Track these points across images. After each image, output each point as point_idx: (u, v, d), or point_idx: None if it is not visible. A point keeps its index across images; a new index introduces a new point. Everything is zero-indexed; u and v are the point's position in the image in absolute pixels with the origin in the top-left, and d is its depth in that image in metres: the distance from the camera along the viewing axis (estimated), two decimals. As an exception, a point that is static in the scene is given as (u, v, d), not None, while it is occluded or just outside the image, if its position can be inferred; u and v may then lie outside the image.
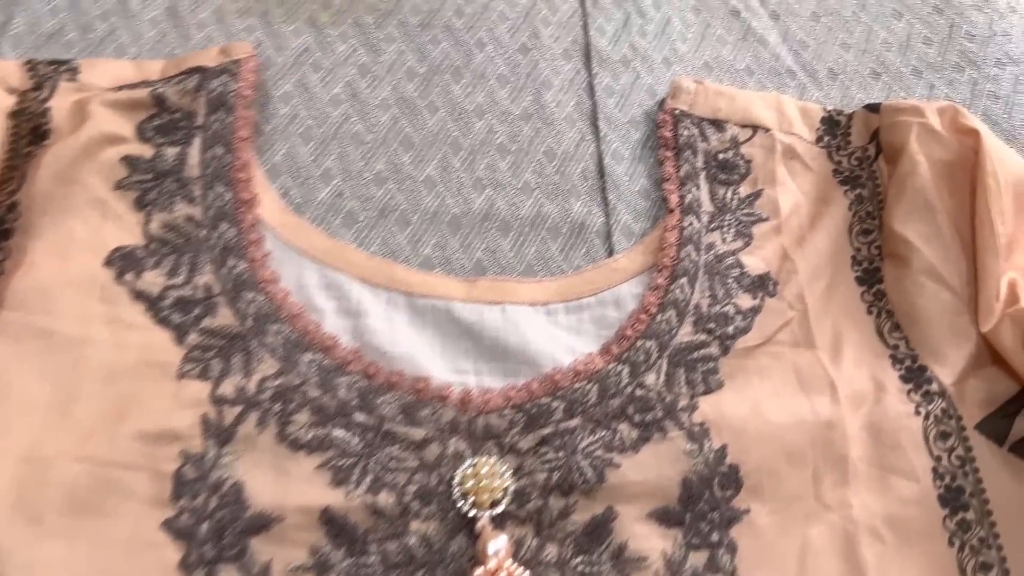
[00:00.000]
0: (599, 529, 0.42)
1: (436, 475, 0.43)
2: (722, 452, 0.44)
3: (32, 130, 0.49)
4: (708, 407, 0.45)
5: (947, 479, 0.44)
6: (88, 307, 0.45)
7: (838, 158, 0.55)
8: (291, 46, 0.59)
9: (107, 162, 0.49)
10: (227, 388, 0.43)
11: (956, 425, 0.45)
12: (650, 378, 0.46)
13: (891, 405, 0.46)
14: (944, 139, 0.50)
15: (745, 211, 0.52)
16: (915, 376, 0.47)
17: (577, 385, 0.46)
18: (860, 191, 0.53)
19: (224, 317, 0.46)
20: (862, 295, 0.50)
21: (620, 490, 0.43)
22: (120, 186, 0.49)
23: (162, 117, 0.51)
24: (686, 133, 0.55)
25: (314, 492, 0.41)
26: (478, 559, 0.40)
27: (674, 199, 0.53)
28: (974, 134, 0.50)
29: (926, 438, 0.45)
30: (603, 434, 0.44)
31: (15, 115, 0.49)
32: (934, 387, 0.46)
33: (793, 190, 0.53)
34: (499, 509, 0.42)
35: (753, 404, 0.46)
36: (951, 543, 0.43)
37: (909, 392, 0.47)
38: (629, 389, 0.46)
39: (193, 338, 0.45)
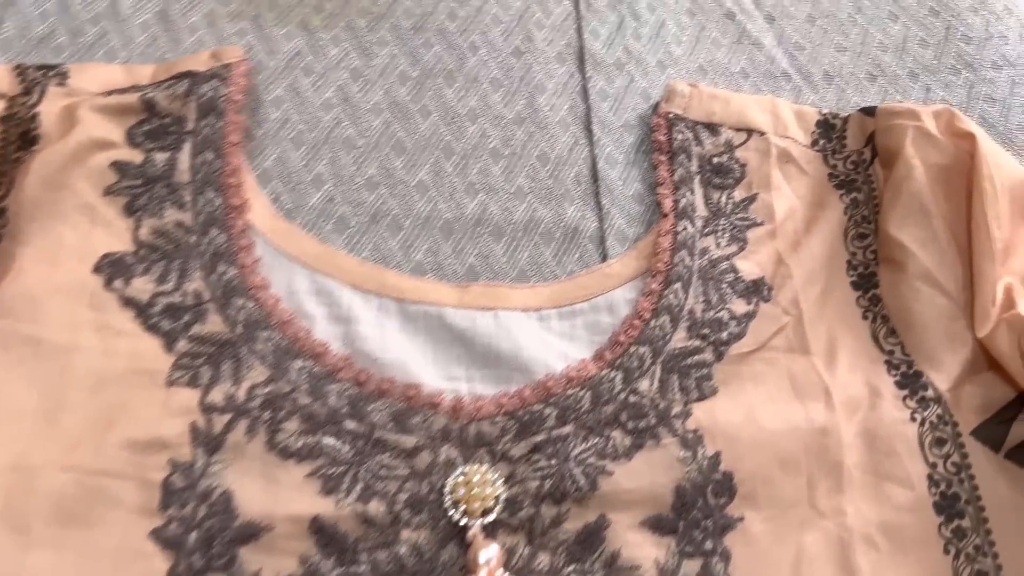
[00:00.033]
0: (592, 537, 0.42)
1: (427, 483, 0.42)
2: (716, 459, 0.44)
3: (21, 135, 0.48)
4: (702, 414, 0.45)
5: (942, 486, 0.44)
6: (77, 314, 0.44)
7: (833, 162, 0.54)
8: (283, 50, 0.58)
9: (96, 167, 0.49)
10: (216, 396, 0.43)
11: (952, 431, 0.45)
12: (643, 384, 0.46)
13: (886, 411, 0.46)
14: (940, 143, 0.50)
15: (740, 215, 0.52)
16: (910, 382, 0.47)
17: (570, 392, 0.45)
18: (856, 195, 0.53)
19: (214, 324, 0.45)
20: (857, 300, 0.50)
21: (613, 498, 0.43)
22: (109, 192, 0.48)
23: (152, 122, 0.51)
24: (680, 137, 0.55)
25: (304, 501, 0.41)
26: (469, 568, 0.40)
27: (668, 204, 0.52)
28: (970, 138, 0.49)
29: (921, 445, 0.45)
30: (596, 441, 0.44)
31: (3, 120, 0.49)
32: (930, 393, 0.46)
33: (788, 194, 0.53)
34: (491, 517, 0.41)
35: (747, 411, 0.45)
36: (946, 551, 0.43)
37: (904, 398, 0.46)
38: (622, 396, 0.45)
39: (182, 345, 0.44)
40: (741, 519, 0.43)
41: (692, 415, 0.45)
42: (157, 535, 0.39)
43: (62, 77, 0.51)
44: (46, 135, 0.48)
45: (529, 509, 0.42)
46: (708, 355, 0.47)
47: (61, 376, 0.42)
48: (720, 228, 0.51)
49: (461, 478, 0.42)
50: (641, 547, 0.42)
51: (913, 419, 0.46)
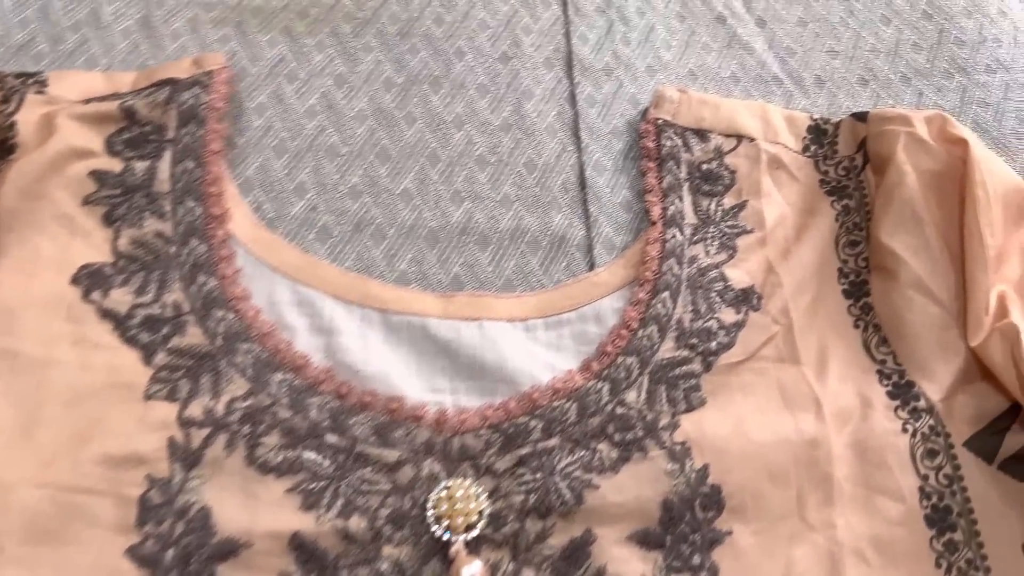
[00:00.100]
0: (577, 552, 0.41)
1: (409, 498, 0.42)
2: (704, 472, 0.43)
3: (-2, 144, 0.48)
4: (690, 425, 0.44)
5: (934, 499, 0.43)
6: (54, 327, 0.44)
7: (825, 168, 0.54)
8: (266, 56, 0.58)
9: (75, 177, 0.48)
10: (195, 410, 0.42)
11: (944, 443, 0.45)
12: (631, 396, 0.45)
13: (877, 422, 0.45)
14: (932, 149, 0.50)
15: (729, 223, 0.51)
16: (902, 392, 0.46)
17: (556, 403, 0.45)
18: (847, 202, 0.52)
19: (193, 336, 0.45)
20: (848, 308, 0.49)
21: (599, 512, 0.42)
22: (88, 201, 0.48)
23: (132, 130, 0.50)
24: (669, 143, 0.54)
25: (283, 517, 0.40)
26: (452, 585, 0.39)
27: (656, 211, 0.52)
28: (962, 143, 0.49)
29: (913, 456, 0.44)
30: (582, 454, 0.43)
31: (-20, 129, 0.48)
32: (922, 403, 0.46)
33: (779, 201, 0.52)
34: (474, 533, 0.41)
35: (736, 422, 0.45)
36: (938, 564, 0.42)
37: (896, 409, 0.46)
38: (609, 407, 0.45)
39: (161, 358, 0.44)
40: (729, 533, 0.42)
41: (680, 427, 0.44)
42: (133, 553, 0.39)
43: (41, 85, 0.50)
44: (24, 144, 0.48)
45: (513, 524, 0.41)
46: (696, 365, 0.46)
47: (37, 391, 0.42)
48: (709, 236, 0.51)
49: (444, 493, 0.41)
50: (628, 562, 0.41)
51: (905, 430, 0.45)
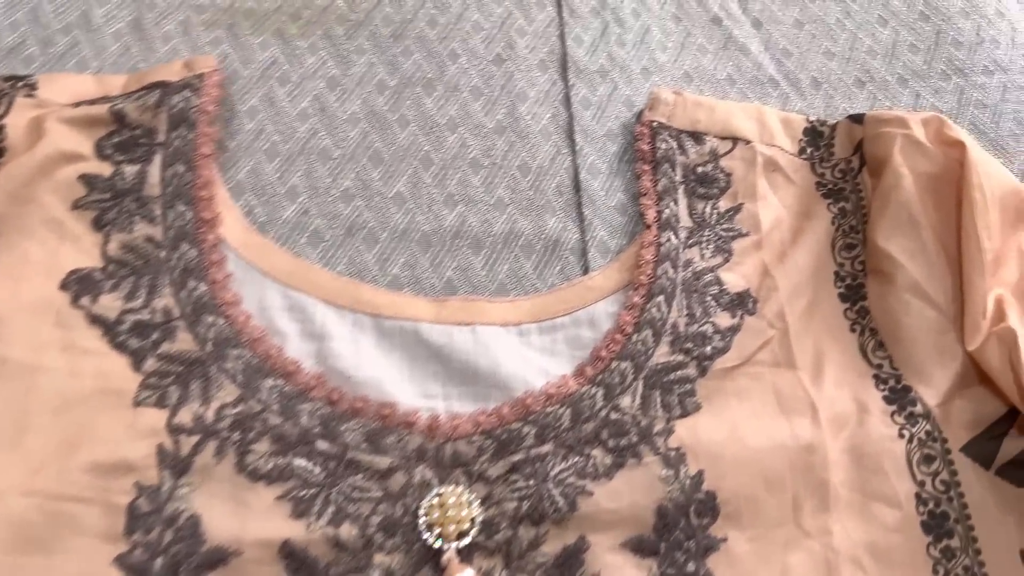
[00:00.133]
0: (571, 560, 0.41)
1: (401, 505, 0.41)
2: (699, 478, 0.43)
3: (-13, 148, 0.47)
4: (684, 431, 0.44)
5: (931, 505, 0.43)
6: (42, 333, 0.43)
7: (821, 170, 0.53)
8: (258, 59, 0.57)
9: (64, 181, 0.48)
10: (184, 416, 0.42)
11: (941, 448, 0.44)
12: (625, 401, 0.45)
13: (874, 427, 0.45)
14: (929, 151, 0.49)
15: (724, 226, 0.51)
16: (899, 397, 0.46)
17: (549, 409, 0.44)
18: (844, 204, 0.52)
19: (183, 342, 0.44)
20: (845, 312, 0.49)
21: (593, 519, 0.42)
22: (78, 206, 0.47)
23: (122, 134, 0.50)
24: (664, 146, 0.53)
25: (274, 524, 0.40)
26: (443, 593, 0.39)
27: (651, 214, 0.51)
28: (959, 146, 0.49)
29: (909, 462, 0.44)
30: (576, 460, 0.43)
31: (-31, 133, 0.47)
32: (918, 408, 0.45)
33: (775, 204, 0.52)
34: (466, 540, 0.40)
35: (731, 428, 0.44)
36: (935, 571, 0.42)
37: (893, 414, 0.45)
38: (603, 413, 0.44)
39: (151, 364, 0.43)
40: (724, 540, 0.42)
41: (674, 432, 0.44)
42: (121, 562, 0.38)
43: (30, 88, 0.50)
44: (13, 147, 0.47)
45: (506, 531, 0.41)
46: (691, 370, 0.46)
47: (25, 397, 0.41)
48: (704, 239, 0.50)
49: (436, 500, 0.41)
50: (621, 570, 0.41)
51: (901, 435, 0.45)
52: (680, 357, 0.46)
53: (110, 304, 0.45)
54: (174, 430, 0.42)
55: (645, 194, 0.52)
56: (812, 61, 0.62)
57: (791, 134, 0.55)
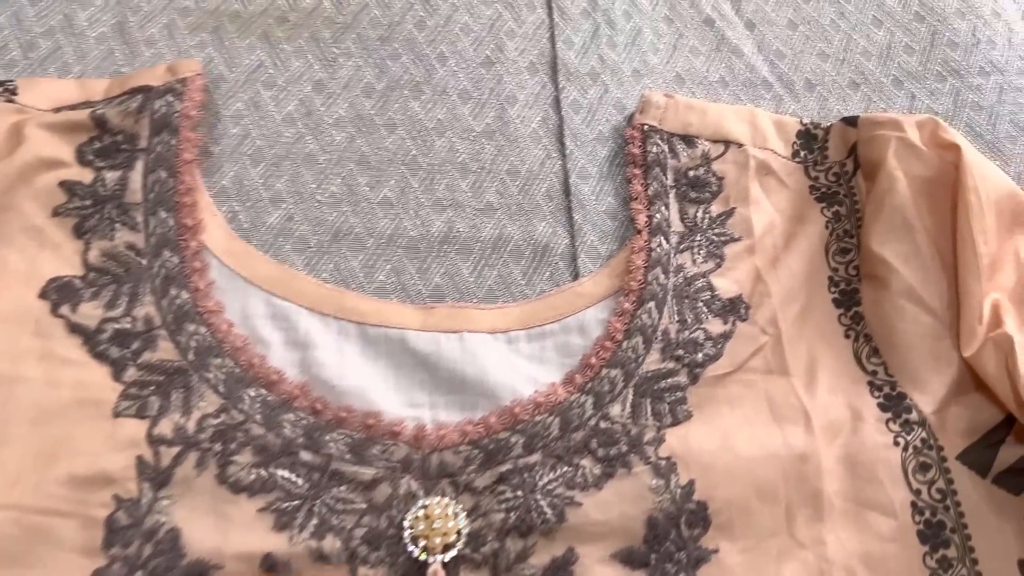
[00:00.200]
0: (559, 572, 0.40)
1: (386, 517, 0.41)
2: (690, 488, 0.42)
3: (-34, 155, 0.47)
4: (675, 440, 0.43)
5: (927, 514, 0.42)
6: (21, 342, 0.43)
7: (815, 174, 0.52)
8: (243, 62, 0.56)
9: (44, 187, 0.47)
10: (165, 427, 0.41)
11: (936, 456, 0.44)
12: (615, 409, 0.44)
13: (868, 435, 0.44)
14: (924, 154, 0.49)
15: (716, 231, 0.50)
16: (894, 404, 0.45)
17: (538, 418, 0.43)
18: (837, 208, 0.51)
19: (165, 351, 0.43)
20: (839, 318, 0.48)
21: (581, 530, 0.41)
22: (58, 213, 0.47)
23: (103, 140, 0.49)
24: (655, 149, 0.53)
25: (255, 537, 0.39)
26: (429, 608, 0.38)
27: (642, 219, 0.50)
28: (955, 149, 0.48)
29: (905, 470, 0.43)
30: (564, 470, 0.42)
31: (-53, 139, 0.47)
32: (913, 416, 0.45)
33: (767, 208, 0.51)
34: (452, 553, 0.40)
35: (723, 436, 0.44)
36: (932, 582, 0.41)
37: (887, 422, 0.45)
38: (593, 421, 0.44)
39: (131, 374, 0.43)
40: (716, 551, 0.41)
41: (665, 441, 0.43)
42: (99, 576, 0.38)
43: (10, 93, 0.49)
44: (-8, 154, 0.47)
45: (493, 543, 0.40)
46: (682, 378, 0.45)
47: (2, 408, 0.41)
48: (696, 244, 0.50)
49: (422, 512, 0.40)
50: (611, 582, 0.40)
51: (896, 443, 0.44)
52: (671, 364, 0.46)
53: (90, 313, 0.44)
54: (154, 441, 0.41)
55: (636, 198, 0.52)
56: (806, 63, 0.62)
57: (784, 137, 0.54)
